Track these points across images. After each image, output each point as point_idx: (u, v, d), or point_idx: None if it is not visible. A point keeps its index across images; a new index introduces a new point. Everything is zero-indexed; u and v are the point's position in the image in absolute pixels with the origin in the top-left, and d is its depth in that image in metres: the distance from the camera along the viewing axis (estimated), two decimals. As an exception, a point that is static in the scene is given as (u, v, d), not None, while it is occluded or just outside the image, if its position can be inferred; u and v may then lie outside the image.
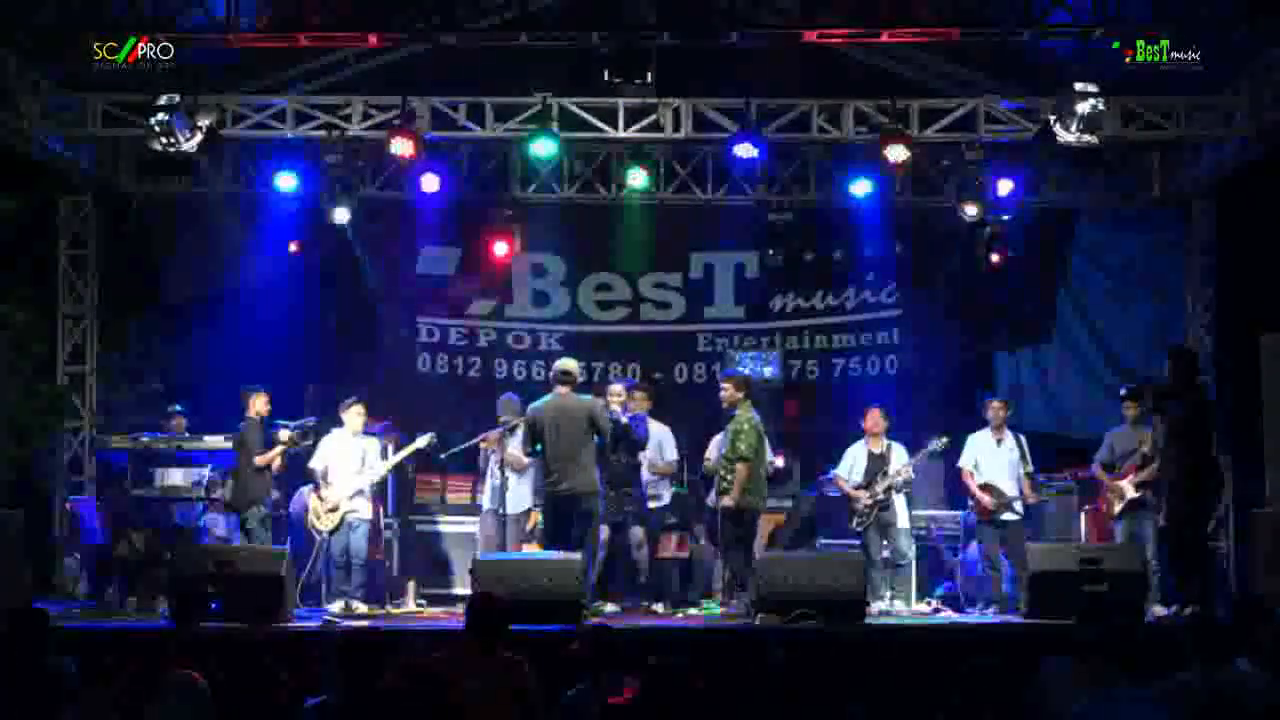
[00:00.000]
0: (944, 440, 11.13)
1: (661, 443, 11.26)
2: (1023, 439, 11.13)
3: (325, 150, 11.67)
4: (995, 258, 12.67)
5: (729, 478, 10.27)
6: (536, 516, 10.91)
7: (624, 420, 10.69)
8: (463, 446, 11.36)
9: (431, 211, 13.10)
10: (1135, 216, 13.51)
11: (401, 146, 10.98)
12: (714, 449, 11.60)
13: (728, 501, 10.24)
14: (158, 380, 13.17)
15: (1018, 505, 10.94)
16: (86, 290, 12.77)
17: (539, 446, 10.22)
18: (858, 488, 11.05)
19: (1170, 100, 11.22)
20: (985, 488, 10.98)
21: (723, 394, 10.61)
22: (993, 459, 11.04)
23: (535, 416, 10.29)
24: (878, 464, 11.05)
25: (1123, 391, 10.93)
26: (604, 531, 10.63)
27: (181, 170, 10.92)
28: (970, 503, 11.19)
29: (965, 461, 11.12)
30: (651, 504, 11.15)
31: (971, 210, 12.21)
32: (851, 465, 11.19)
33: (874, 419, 11.12)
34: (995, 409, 11.19)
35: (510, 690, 5.80)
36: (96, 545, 11.58)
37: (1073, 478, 11.85)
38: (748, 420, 10.31)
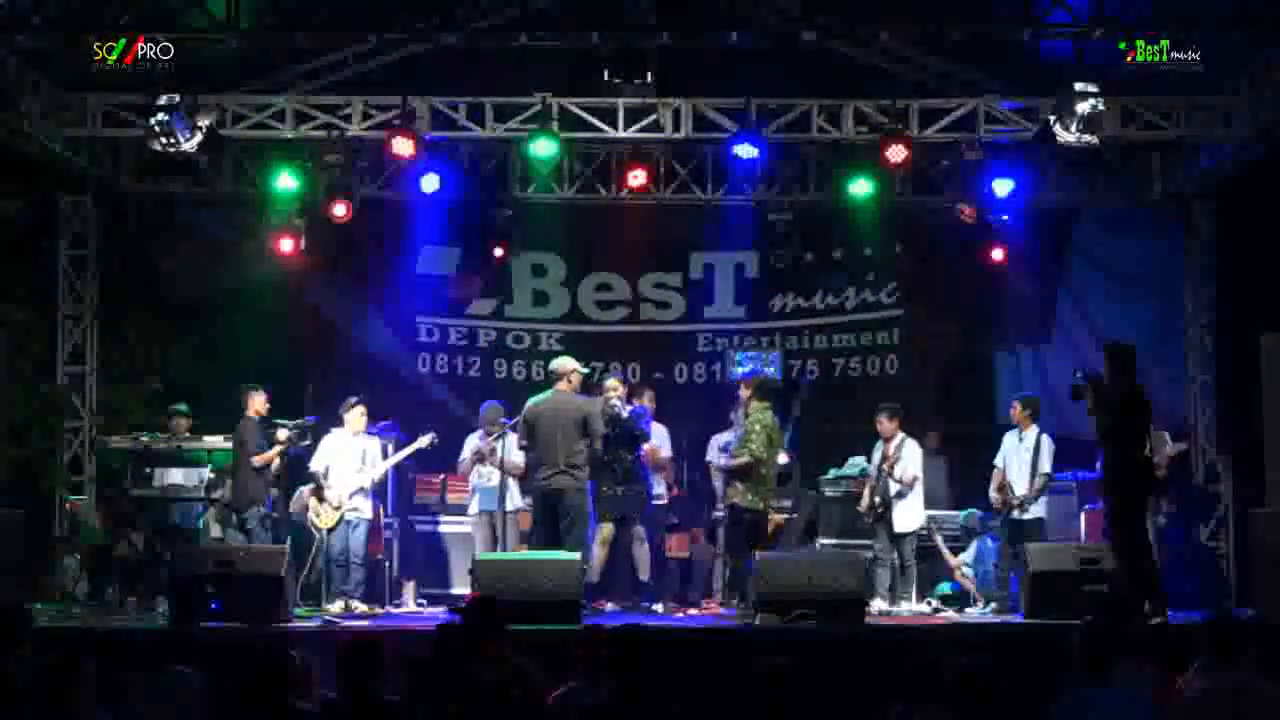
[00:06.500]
0: None
1: (660, 441, 11.30)
2: (1044, 439, 11.07)
3: (325, 150, 11.67)
4: (998, 254, 12.66)
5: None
6: (528, 518, 10.92)
7: (624, 414, 10.69)
8: (466, 459, 11.34)
9: (431, 211, 13.10)
10: (1135, 216, 13.48)
11: (401, 146, 10.98)
12: (714, 449, 11.64)
13: (734, 500, 10.28)
14: (158, 380, 13.16)
15: (1022, 503, 10.93)
16: (86, 290, 12.75)
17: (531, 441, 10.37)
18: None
19: (1170, 100, 11.20)
20: (1001, 486, 11.02)
21: (741, 394, 10.68)
22: (1013, 457, 11.12)
23: (533, 413, 10.45)
24: (884, 463, 11.13)
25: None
26: (607, 528, 10.65)
27: (181, 170, 10.92)
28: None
29: (997, 459, 11.20)
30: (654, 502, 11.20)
31: (970, 210, 12.22)
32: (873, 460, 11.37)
33: (879, 424, 11.20)
34: (1014, 408, 11.24)
35: (520, 690, 5.80)
36: (96, 545, 11.58)
37: (1073, 478, 11.84)
38: (757, 422, 10.33)
